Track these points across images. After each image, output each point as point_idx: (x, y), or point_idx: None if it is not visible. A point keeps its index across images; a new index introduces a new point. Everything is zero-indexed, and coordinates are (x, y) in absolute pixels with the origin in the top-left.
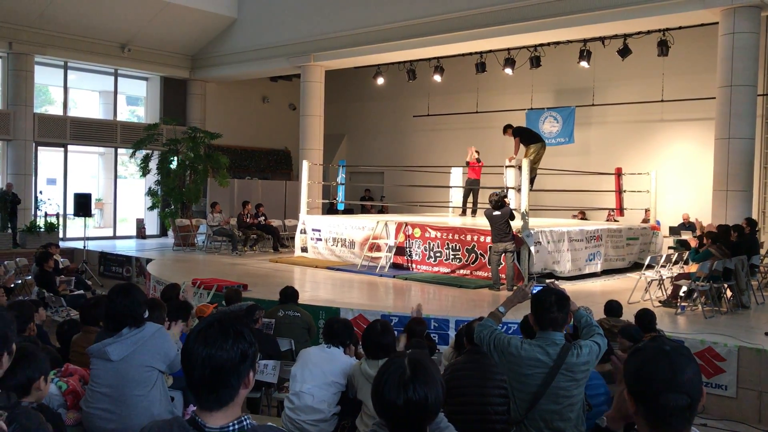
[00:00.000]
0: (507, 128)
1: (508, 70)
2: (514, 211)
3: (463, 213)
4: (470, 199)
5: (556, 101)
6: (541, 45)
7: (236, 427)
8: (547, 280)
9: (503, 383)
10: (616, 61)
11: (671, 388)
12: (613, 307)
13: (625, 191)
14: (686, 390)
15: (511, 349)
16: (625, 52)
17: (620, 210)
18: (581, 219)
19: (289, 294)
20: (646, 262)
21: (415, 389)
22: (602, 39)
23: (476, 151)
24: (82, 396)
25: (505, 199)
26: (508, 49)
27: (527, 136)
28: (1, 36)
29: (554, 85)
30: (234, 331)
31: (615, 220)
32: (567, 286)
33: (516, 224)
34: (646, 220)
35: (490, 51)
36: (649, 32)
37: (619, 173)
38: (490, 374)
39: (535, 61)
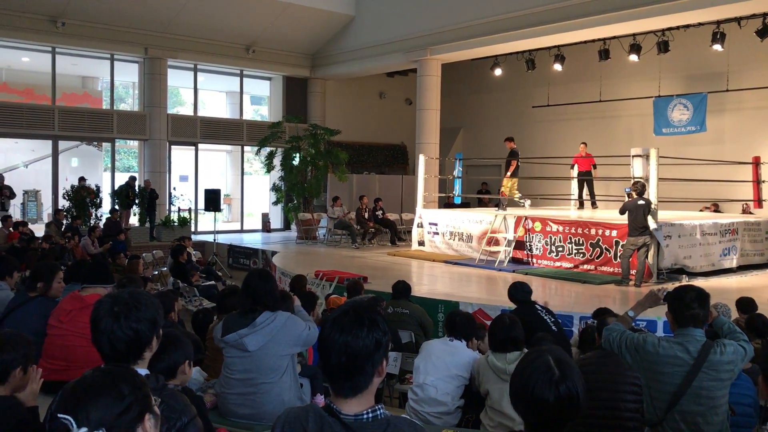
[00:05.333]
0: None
1: (634, 57)
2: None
3: (580, 206)
4: (586, 191)
5: (687, 88)
6: (670, 29)
7: (370, 415)
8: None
9: (636, 380)
10: (754, 43)
11: None
12: (744, 303)
13: (764, 182)
14: None
15: (647, 347)
16: (764, 32)
17: (758, 202)
18: (714, 211)
19: (401, 289)
20: None
21: (567, 385)
22: (738, 19)
23: (584, 143)
24: None
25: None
26: (634, 35)
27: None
28: (138, 42)
29: (684, 71)
30: (369, 319)
31: (750, 213)
32: (700, 283)
33: None
34: None
35: (614, 37)
36: None
37: (757, 162)
38: (622, 370)
39: (663, 46)
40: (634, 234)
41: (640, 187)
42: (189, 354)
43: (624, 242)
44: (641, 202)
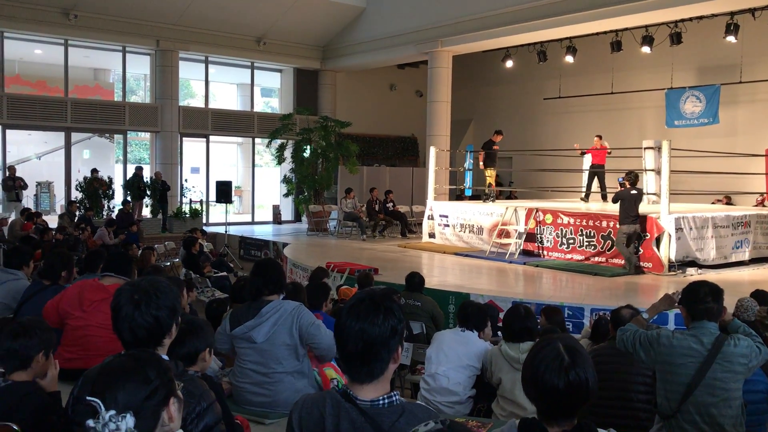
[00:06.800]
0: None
1: (646, 48)
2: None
3: (586, 198)
4: (596, 184)
5: (699, 79)
6: (683, 20)
7: (386, 401)
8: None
9: (648, 370)
10: None
11: None
12: (758, 296)
13: None
14: None
15: (661, 340)
16: None
17: None
18: (726, 204)
19: (415, 282)
20: None
21: (577, 372)
22: (752, 10)
23: (598, 136)
24: None
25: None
26: (646, 26)
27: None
28: (149, 34)
29: (697, 63)
30: (384, 306)
31: (763, 205)
32: (711, 275)
33: (654, 208)
34: None
35: (626, 29)
36: None
37: None
38: (634, 362)
39: (676, 38)
40: (626, 222)
41: (633, 178)
42: (210, 341)
43: (617, 232)
44: (634, 192)
